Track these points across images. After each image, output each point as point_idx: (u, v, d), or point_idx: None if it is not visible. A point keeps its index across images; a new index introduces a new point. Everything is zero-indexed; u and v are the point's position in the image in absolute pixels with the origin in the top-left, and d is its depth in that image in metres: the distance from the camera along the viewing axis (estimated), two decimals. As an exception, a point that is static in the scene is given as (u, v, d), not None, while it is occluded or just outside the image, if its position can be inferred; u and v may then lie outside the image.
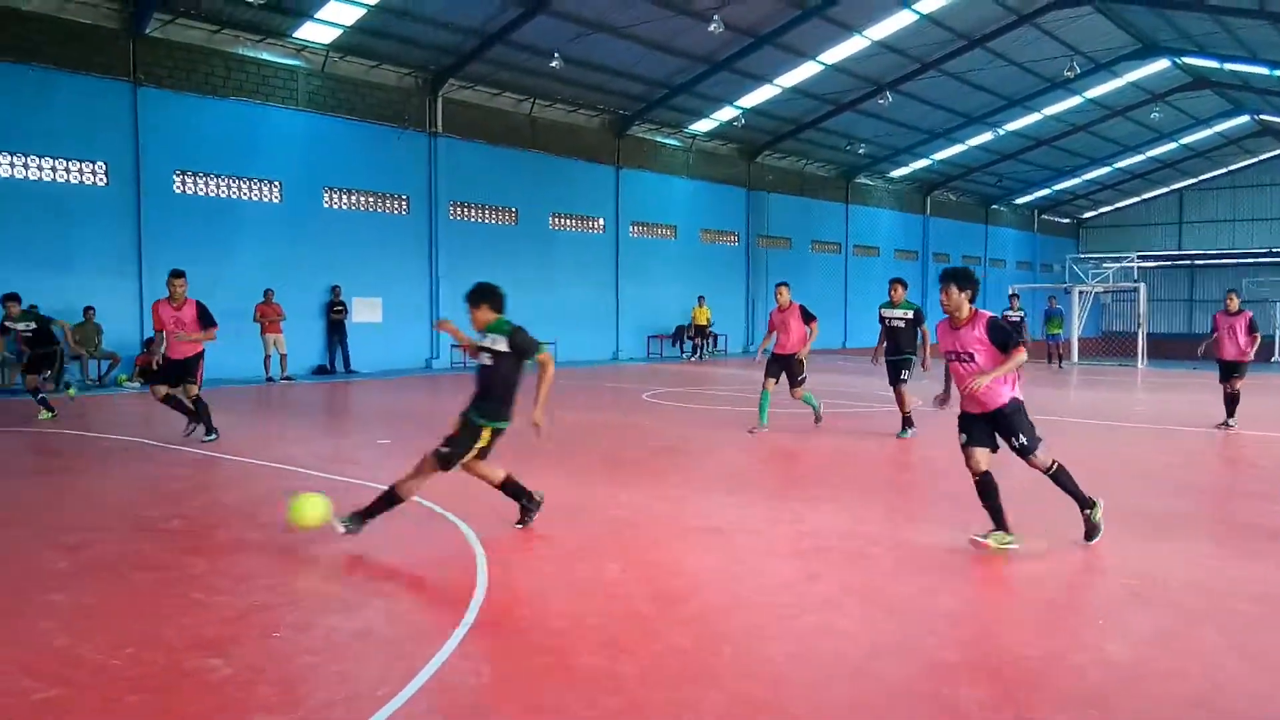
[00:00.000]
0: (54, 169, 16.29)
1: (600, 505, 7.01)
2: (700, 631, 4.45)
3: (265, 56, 18.69)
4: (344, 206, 20.27)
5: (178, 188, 17.75)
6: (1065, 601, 4.97)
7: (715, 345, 28.16)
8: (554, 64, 20.13)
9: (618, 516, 6.67)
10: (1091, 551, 5.88)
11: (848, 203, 34.13)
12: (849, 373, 21.94)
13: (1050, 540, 6.13)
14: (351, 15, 18.23)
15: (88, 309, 16.25)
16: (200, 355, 10.02)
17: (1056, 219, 46.78)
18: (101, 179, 16.77)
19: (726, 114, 26.24)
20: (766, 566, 5.53)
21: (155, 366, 10.02)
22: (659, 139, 26.94)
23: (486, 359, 5.99)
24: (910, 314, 10.97)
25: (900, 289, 10.96)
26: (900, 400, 10.79)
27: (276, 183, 19.10)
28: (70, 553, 5.66)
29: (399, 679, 3.82)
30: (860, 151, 31.40)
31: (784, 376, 11.00)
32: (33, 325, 11.99)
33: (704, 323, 26.39)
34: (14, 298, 12.13)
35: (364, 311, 20.53)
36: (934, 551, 5.87)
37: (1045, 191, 42.03)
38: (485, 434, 5.92)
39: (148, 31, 16.95)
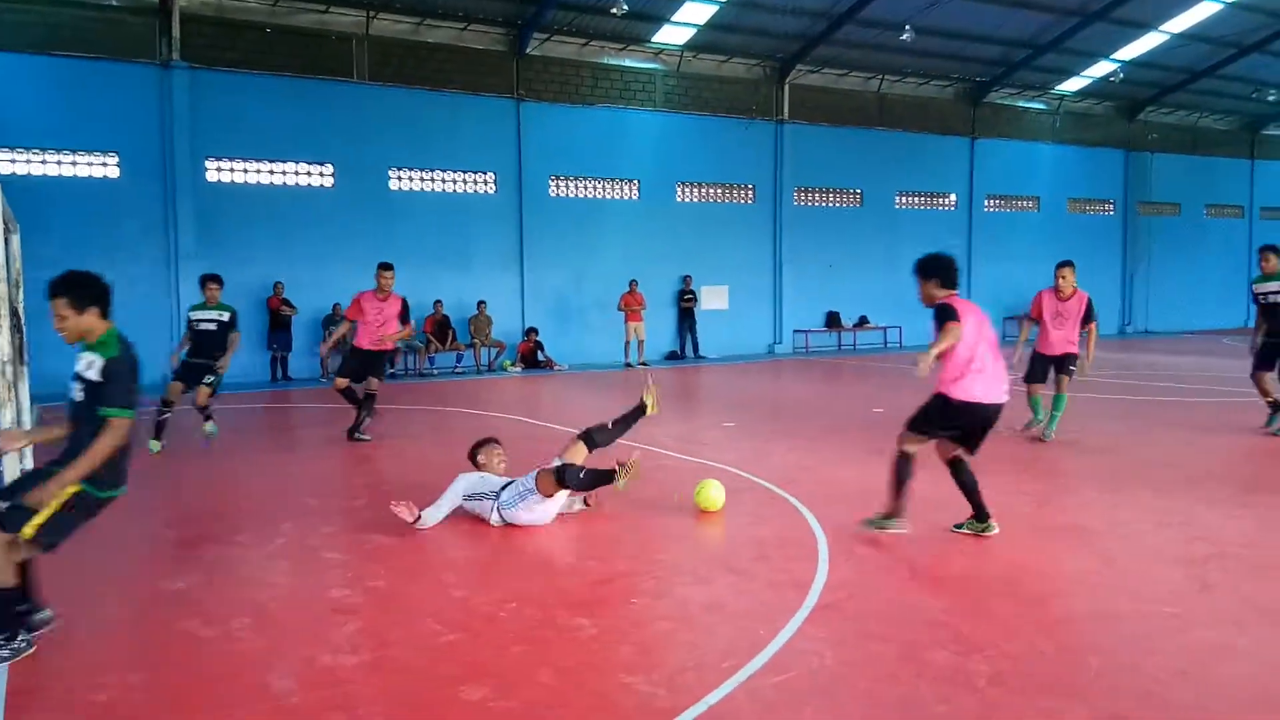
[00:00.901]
0: (454, 181, 18.74)
1: (948, 497, 6.66)
2: (1064, 637, 4.19)
3: (627, 63, 20.04)
4: (694, 200, 21.19)
5: (552, 192, 19.63)
6: None
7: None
8: (905, 36, 19.46)
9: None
10: None
11: (1253, 158, 29.39)
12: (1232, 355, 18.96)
13: None
14: (704, 14, 18.95)
15: (480, 303, 18.53)
16: (393, 352, 9.78)
17: None
18: (491, 187, 19.01)
19: (1101, 69, 23.73)
20: (1146, 572, 5.04)
21: (327, 356, 9.88)
22: (1020, 104, 25.05)
23: (76, 391, 4.15)
24: None
25: (1274, 258, 9.17)
26: (1263, 387, 9.16)
27: (635, 181, 20.43)
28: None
29: (744, 653, 4.02)
30: (1270, 99, 26.85)
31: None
32: (224, 317, 9.43)
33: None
34: (217, 280, 9.62)
35: (712, 299, 21.35)
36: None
37: None
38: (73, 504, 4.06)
39: (529, 51, 18.88)
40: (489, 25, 18.43)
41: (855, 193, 23.02)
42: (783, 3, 18.89)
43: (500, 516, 6.14)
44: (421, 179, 18.42)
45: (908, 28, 19.26)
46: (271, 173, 17.09)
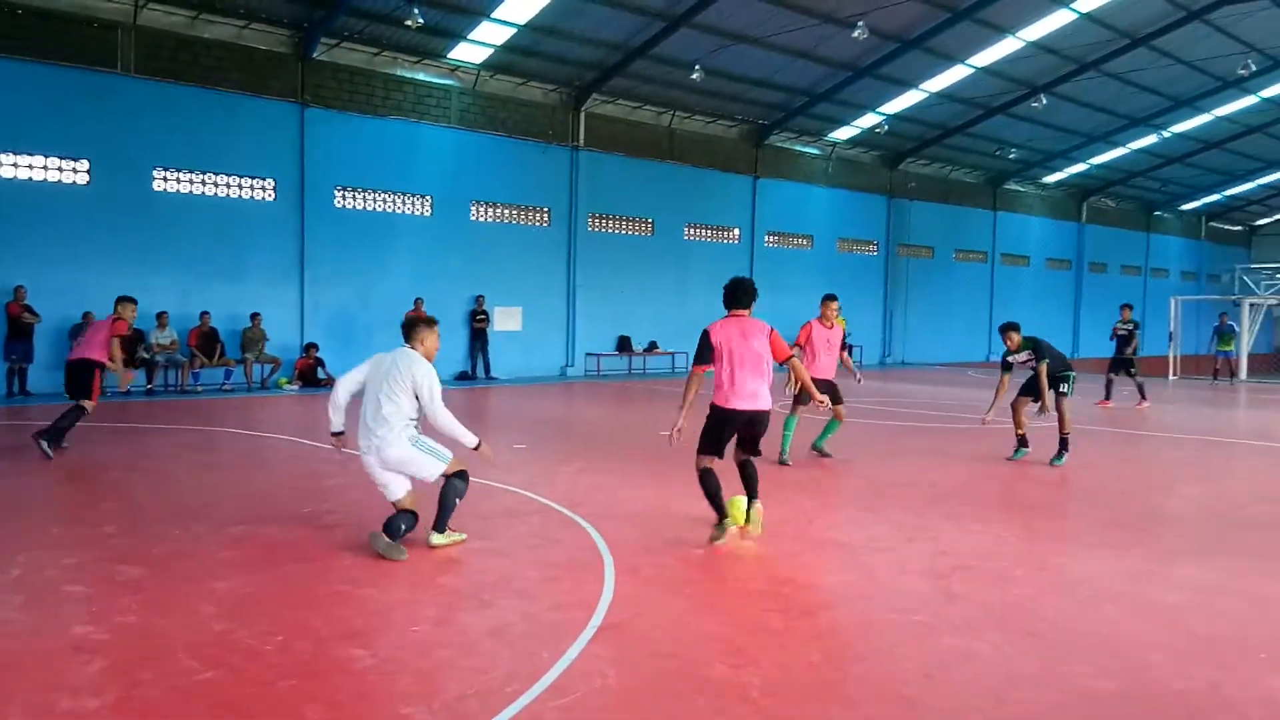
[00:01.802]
0: (229, 185, 17.58)
1: (619, 500, 7.15)
2: (830, 647, 4.43)
3: (421, 77, 19.62)
4: (489, 219, 21.01)
5: (338, 203, 18.83)
6: (1225, 633, 4.69)
7: (850, 356, 27.60)
8: (695, 76, 20.29)
9: (635, 511, 6.81)
10: (1259, 583, 5.52)
11: (995, 209, 32.87)
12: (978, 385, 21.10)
13: (1226, 571, 5.79)
14: (502, 35, 18.91)
15: (254, 315, 17.42)
16: (95, 370, 9.43)
17: (1226, 226, 43.58)
18: (270, 195, 17.98)
19: (868, 120, 25.76)
20: (900, 583, 5.43)
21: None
22: (798, 148, 26.71)
23: None
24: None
25: (1015, 335, 9.87)
26: (1017, 417, 10.23)
27: (428, 197, 19.99)
28: (234, 544, 6.11)
29: (527, 677, 3.96)
30: (1010, 156, 30.19)
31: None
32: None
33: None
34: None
35: (505, 320, 21.22)
36: (1081, 575, 5.64)
37: (1214, 197, 39.24)
38: None
39: (315, 55, 18.08)
40: (272, 25, 17.52)
41: (647, 222, 23.65)
42: (580, 31, 19.21)
43: (413, 432, 5.92)
44: (192, 181, 17.15)
45: (697, 67, 20.11)
46: (15, 165, 15.36)
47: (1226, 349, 23.77)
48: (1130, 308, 17.75)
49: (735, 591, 5.28)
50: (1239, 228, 44.34)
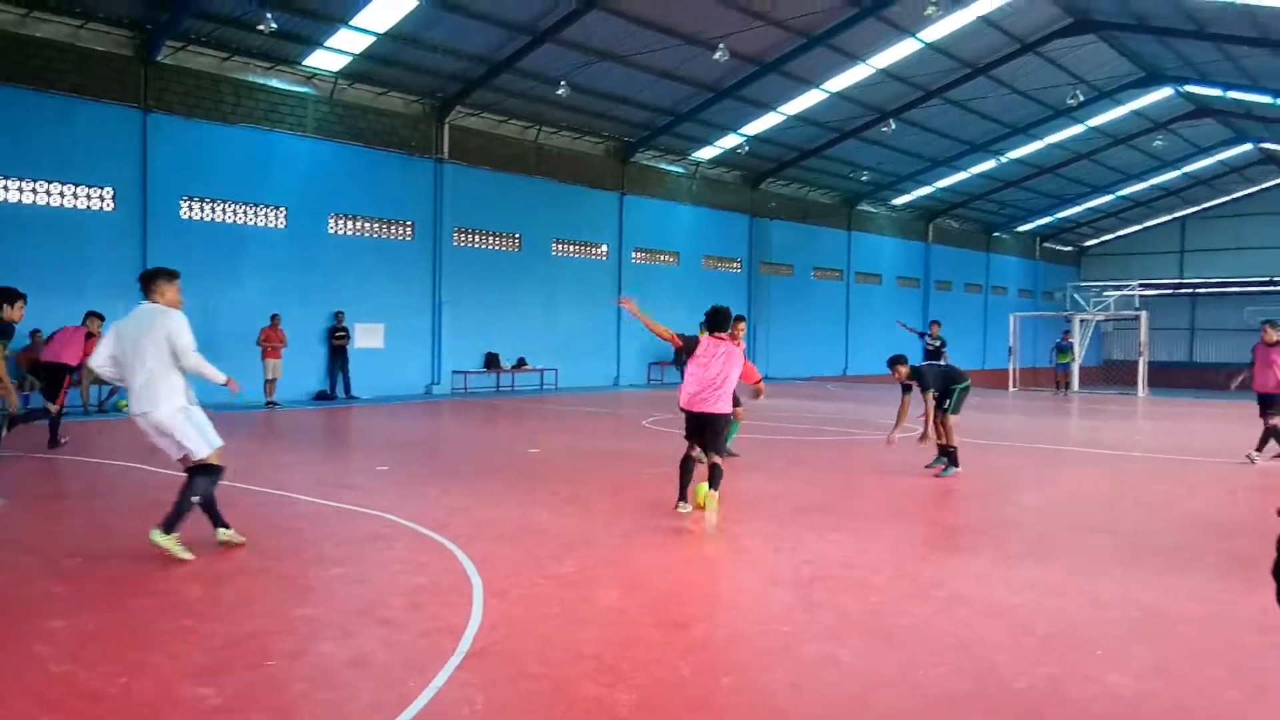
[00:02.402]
0: (62, 194, 16.41)
1: (599, 532, 7.05)
2: (700, 660, 4.44)
3: (275, 84, 18.86)
4: (349, 232, 20.37)
5: (185, 213, 17.86)
6: (1066, 632, 4.97)
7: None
8: (560, 92, 20.30)
9: (616, 544, 6.70)
10: (1096, 583, 5.88)
11: (850, 229, 34.25)
12: (840, 399, 21.94)
13: (1066, 572, 6.14)
14: (361, 43, 18.41)
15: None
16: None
17: (1058, 246, 46.89)
18: (109, 204, 16.88)
19: (730, 141, 26.41)
20: (765, 593, 5.52)
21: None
22: (663, 166, 27.09)
23: None
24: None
25: (902, 368, 10.14)
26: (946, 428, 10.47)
27: (282, 209, 19.21)
28: (70, 579, 5.66)
29: (392, 707, 3.81)
30: (863, 179, 31.57)
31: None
32: None
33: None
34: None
35: (366, 337, 20.58)
36: (934, 579, 5.88)
37: (1047, 219, 42.17)
38: None
39: (159, 58, 17.12)
40: (112, 26, 16.50)
41: (515, 237, 23.45)
42: (442, 42, 18.92)
43: (184, 402, 5.85)
44: (21, 189, 15.92)
45: (563, 83, 20.14)
46: None
47: (1066, 361, 25.63)
48: (939, 324, 18.67)
49: (606, 609, 5.23)
50: (1070, 248, 47.78)
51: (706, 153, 27.23)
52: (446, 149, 21.71)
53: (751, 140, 26.34)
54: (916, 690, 4.12)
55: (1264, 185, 41.44)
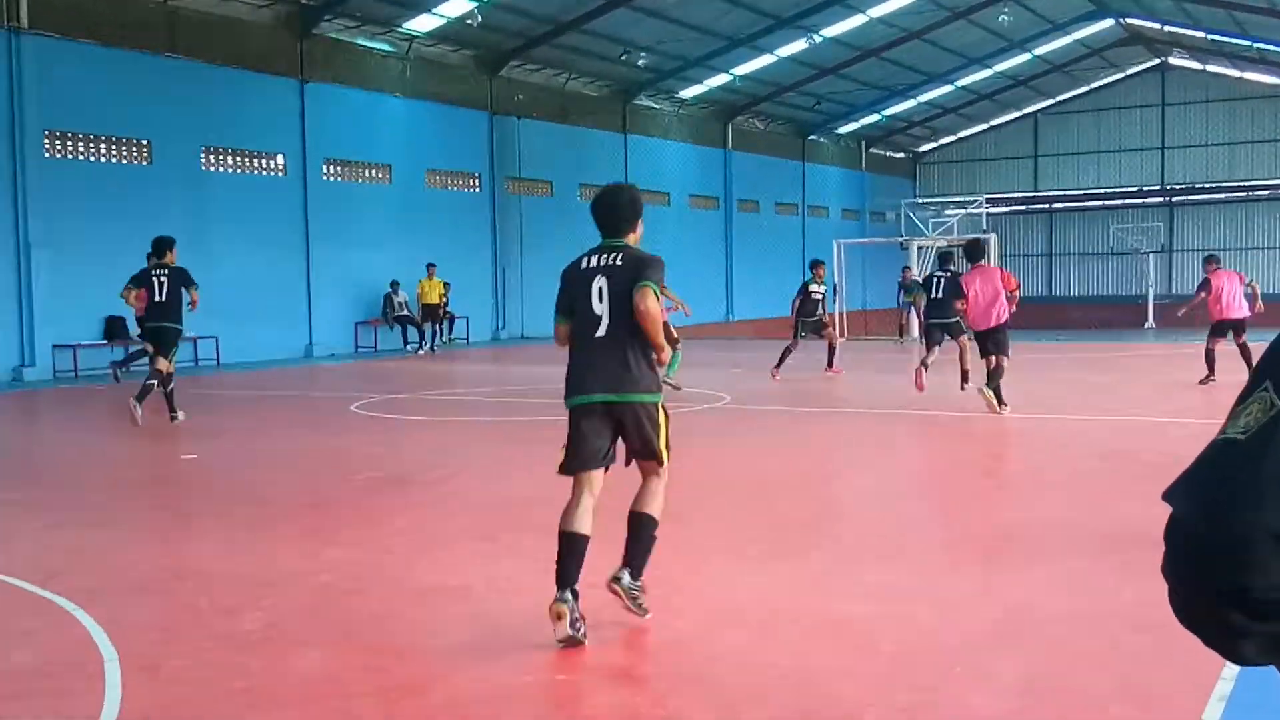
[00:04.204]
0: None
1: (296, 569, 6.88)
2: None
3: None
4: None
5: None
6: (915, 647, 5.22)
7: (451, 332, 27.94)
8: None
9: (322, 583, 6.56)
10: (949, 582, 6.21)
11: (626, 132, 34.78)
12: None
13: (914, 571, 6.40)
14: None
15: None
16: None
17: (888, 153, 50.02)
18: None
19: (456, 7, 25.95)
20: (535, 635, 5.43)
21: None
22: (361, 42, 26.34)
23: None
24: None
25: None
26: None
27: None
28: None
29: None
30: (640, 63, 32.06)
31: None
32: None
33: (436, 300, 26.08)
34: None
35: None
36: (756, 595, 6.03)
37: (874, 117, 44.80)
38: None
39: None
40: None
41: (142, 144, 22.10)
42: None
43: None
44: None
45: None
46: None
47: (912, 301, 27.34)
48: (822, 264, 19.64)
49: (308, 678, 5.01)
50: (902, 154, 51.08)
51: (423, 23, 26.68)
52: (25, 16, 19.91)
53: (486, 5, 26.01)
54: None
55: (1128, 71, 46.03)
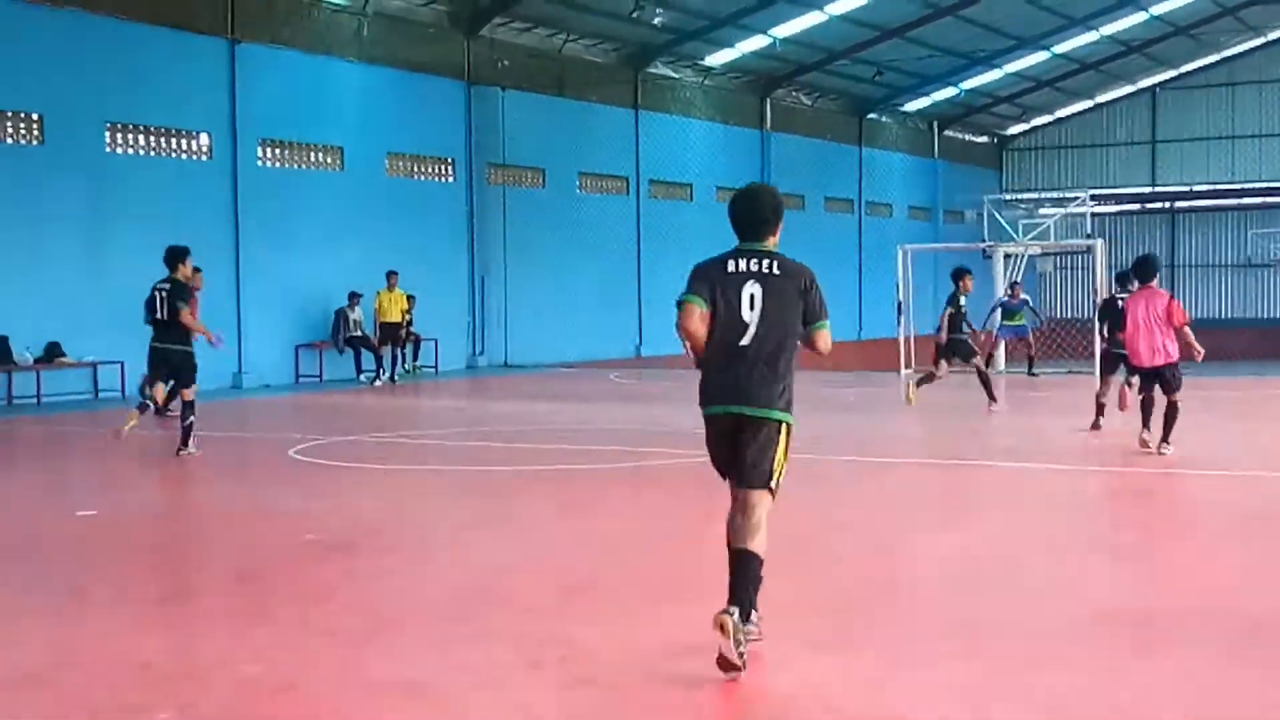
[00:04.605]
0: None
1: (218, 657, 6.85)
2: None
3: None
4: None
5: None
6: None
7: (416, 358, 27.80)
8: None
9: (249, 676, 6.47)
10: (1035, 682, 6.11)
11: (637, 108, 34.78)
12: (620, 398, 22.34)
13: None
14: None
15: None
16: None
17: (968, 137, 50.09)
18: None
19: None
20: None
21: None
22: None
23: None
24: None
25: None
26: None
27: None
28: None
29: None
30: (656, 21, 32.10)
31: None
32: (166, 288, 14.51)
33: (397, 318, 26.00)
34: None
35: None
36: (789, 688, 5.98)
37: (950, 91, 44.80)
38: None
39: None
40: None
41: (31, 120, 22.27)
42: None
43: None
44: None
45: None
46: None
47: (1019, 324, 27.28)
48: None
49: None
50: (984, 138, 51.10)
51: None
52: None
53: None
54: None
55: (1271, 36, 45.67)
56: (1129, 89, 48.63)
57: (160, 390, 14.94)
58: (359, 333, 26.08)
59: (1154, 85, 48.46)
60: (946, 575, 8.69)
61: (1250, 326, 44.28)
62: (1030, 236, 35.87)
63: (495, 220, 30.56)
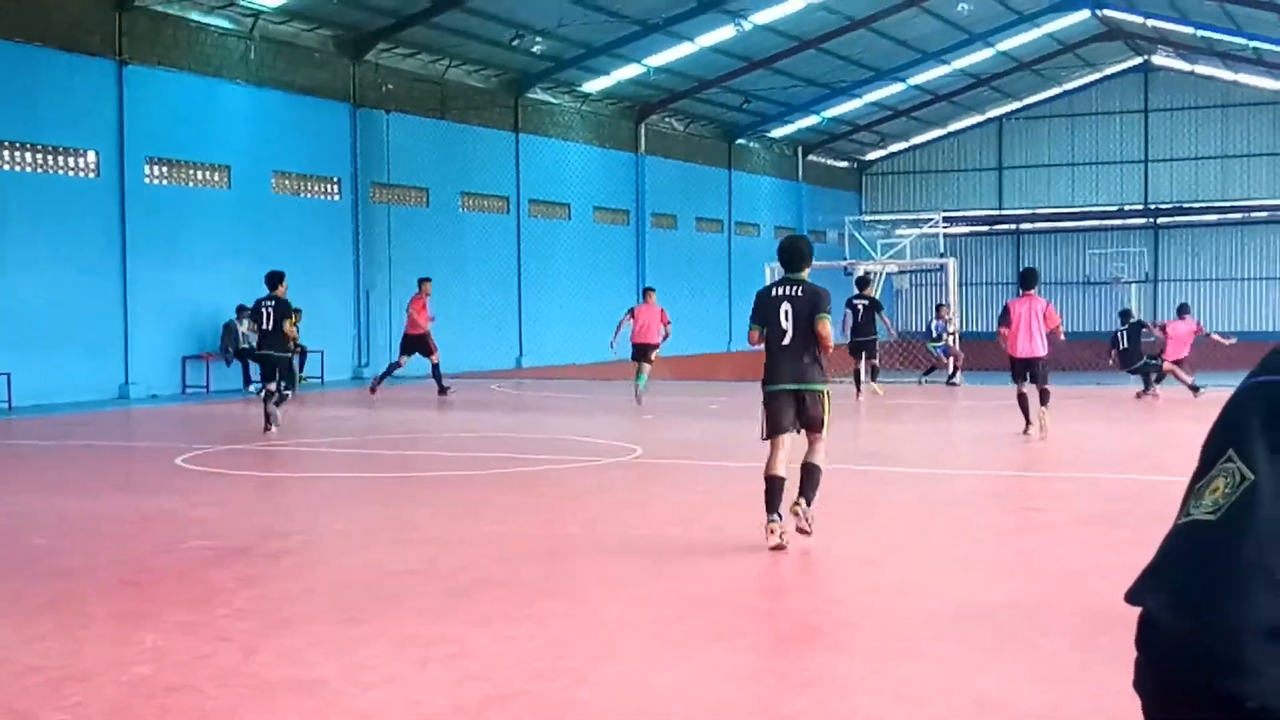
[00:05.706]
0: None
1: (107, 660, 6.72)
2: None
3: None
4: None
5: None
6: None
7: (302, 369, 27.47)
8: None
9: (139, 676, 6.36)
10: (910, 668, 6.17)
11: (518, 131, 34.73)
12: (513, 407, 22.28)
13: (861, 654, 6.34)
14: None
15: None
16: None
17: (830, 162, 50.76)
18: None
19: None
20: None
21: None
22: (194, 16, 26.15)
23: None
24: None
25: None
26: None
27: None
28: None
29: None
30: (535, 50, 32.07)
31: None
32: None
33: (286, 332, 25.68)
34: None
35: None
36: (680, 681, 5.95)
37: (813, 119, 45.39)
38: None
39: None
40: None
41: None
42: None
43: None
44: None
45: None
46: None
47: (940, 344, 27.93)
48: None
49: None
50: (846, 163, 51.76)
51: (272, -4, 26.40)
52: None
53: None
54: None
55: (1107, 71, 47.21)
56: (978, 118, 49.78)
57: (272, 385, 16.95)
58: (248, 345, 25.73)
59: (1001, 115, 49.65)
60: (811, 575, 8.79)
61: (1090, 339, 45.25)
62: (888, 255, 36.45)
63: (380, 237, 30.40)
